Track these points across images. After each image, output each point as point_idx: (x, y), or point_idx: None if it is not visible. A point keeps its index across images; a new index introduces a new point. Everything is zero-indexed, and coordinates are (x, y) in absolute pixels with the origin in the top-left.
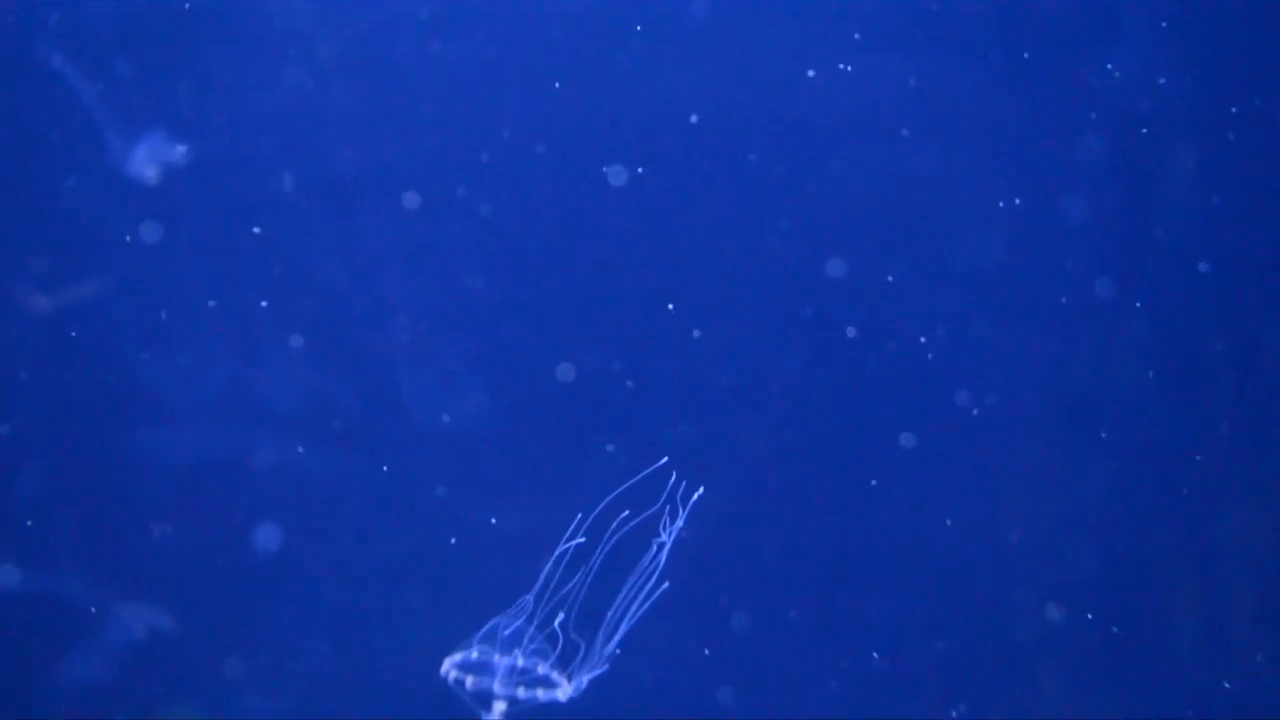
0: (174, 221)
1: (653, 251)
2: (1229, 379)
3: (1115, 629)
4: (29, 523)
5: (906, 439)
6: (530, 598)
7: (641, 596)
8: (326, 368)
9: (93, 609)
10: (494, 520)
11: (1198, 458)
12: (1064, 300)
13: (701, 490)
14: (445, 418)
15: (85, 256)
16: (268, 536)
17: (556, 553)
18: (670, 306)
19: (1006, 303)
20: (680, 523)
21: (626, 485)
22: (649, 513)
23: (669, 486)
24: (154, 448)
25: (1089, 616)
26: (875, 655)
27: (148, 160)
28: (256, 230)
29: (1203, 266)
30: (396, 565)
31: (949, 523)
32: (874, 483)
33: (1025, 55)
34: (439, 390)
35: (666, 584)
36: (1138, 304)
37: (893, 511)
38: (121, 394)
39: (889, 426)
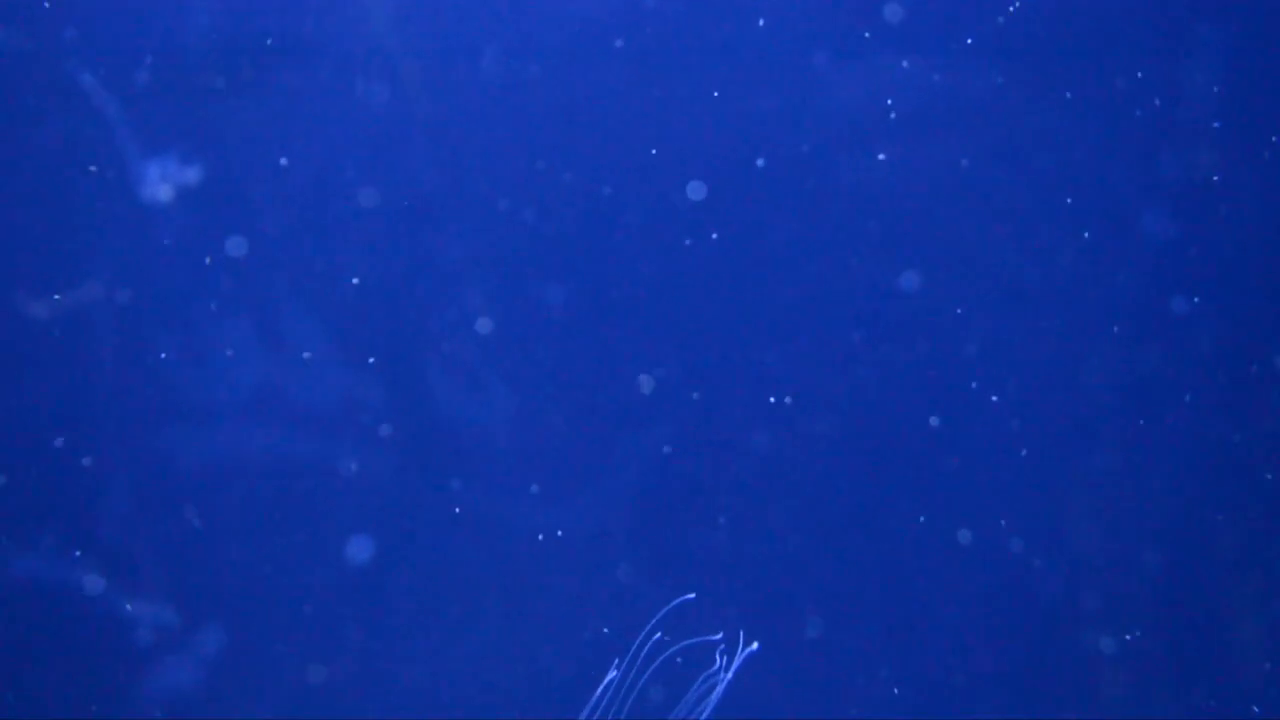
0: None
1: (720, 266)
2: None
3: (1129, 637)
4: (78, 552)
5: (952, 462)
6: None
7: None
8: (383, 378)
9: (127, 606)
10: (560, 533)
11: (1268, 476)
12: (1127, 314)
13: (756, 645)
14: (507, 426)
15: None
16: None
17: (598, 690)
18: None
19: (1065, 318)
20: (730, 675)
21: (660, 615)
22: (694, 639)
23: (720, 644)
24: (198, 452)
25: (1126, 637)
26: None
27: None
28: (355, 280)
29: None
30: (463, 576)
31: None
32: (922, 519)
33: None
34: (502, 398)
35: None
36: (1196, 299)
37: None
38: (179, 399)
39: (937, 448)
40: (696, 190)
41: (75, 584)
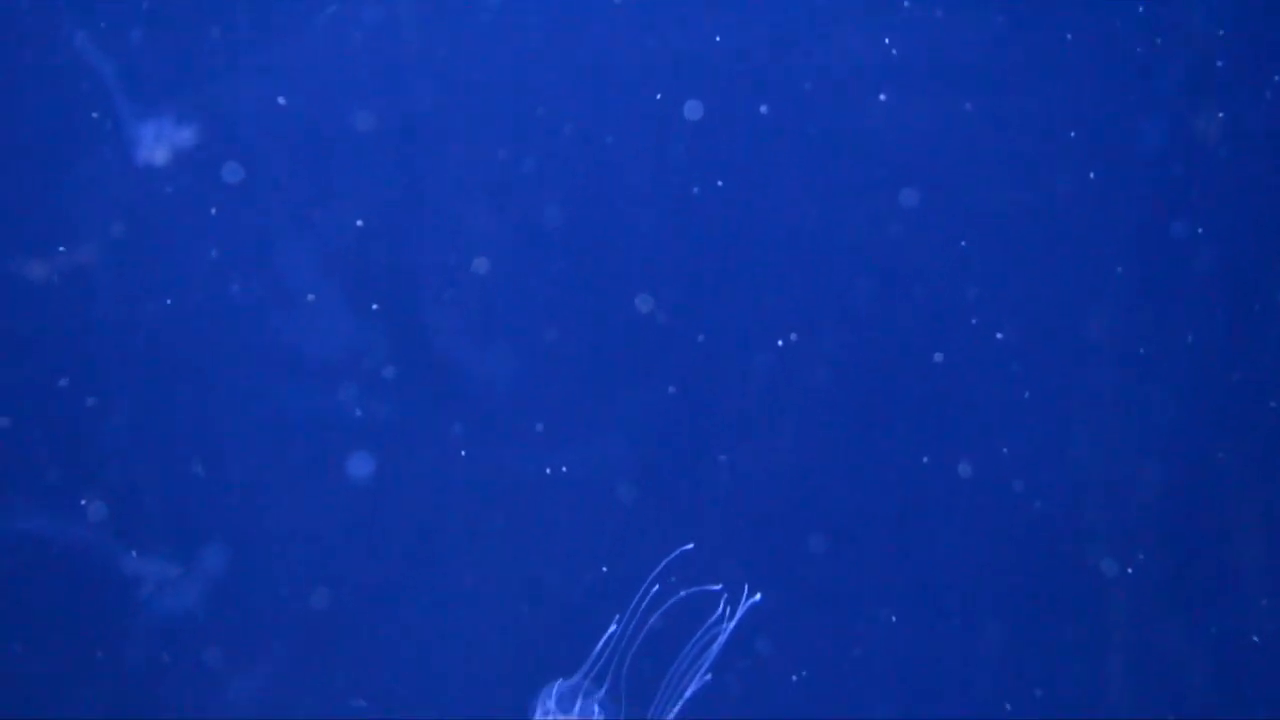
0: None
1: (724, 208)
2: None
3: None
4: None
5: (956, 399)
6: (580, 675)
7: (696, 675)
8: (387, 320)
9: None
10: (565, 469)
11: (1272, 404)
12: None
13: (759, 595)
14: (512, 366)
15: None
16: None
17: (605, 635)
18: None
19: (1068, 258)
20: (732, 624)
21: (664, 564)
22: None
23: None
24: (202, 397)
25: (1128, 570)
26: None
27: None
28: (359, 223)
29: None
30: (466, 518)
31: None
32: (926, 458)
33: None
34: (506, 340)
35: (710, 676)
36: (1200, 232)
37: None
38: (184, 345)
39: (941, 385)
40: (693, 110)
41: (78, 528)
